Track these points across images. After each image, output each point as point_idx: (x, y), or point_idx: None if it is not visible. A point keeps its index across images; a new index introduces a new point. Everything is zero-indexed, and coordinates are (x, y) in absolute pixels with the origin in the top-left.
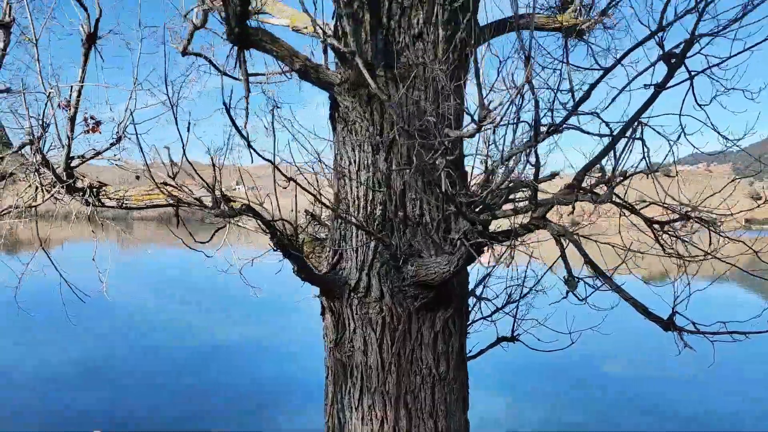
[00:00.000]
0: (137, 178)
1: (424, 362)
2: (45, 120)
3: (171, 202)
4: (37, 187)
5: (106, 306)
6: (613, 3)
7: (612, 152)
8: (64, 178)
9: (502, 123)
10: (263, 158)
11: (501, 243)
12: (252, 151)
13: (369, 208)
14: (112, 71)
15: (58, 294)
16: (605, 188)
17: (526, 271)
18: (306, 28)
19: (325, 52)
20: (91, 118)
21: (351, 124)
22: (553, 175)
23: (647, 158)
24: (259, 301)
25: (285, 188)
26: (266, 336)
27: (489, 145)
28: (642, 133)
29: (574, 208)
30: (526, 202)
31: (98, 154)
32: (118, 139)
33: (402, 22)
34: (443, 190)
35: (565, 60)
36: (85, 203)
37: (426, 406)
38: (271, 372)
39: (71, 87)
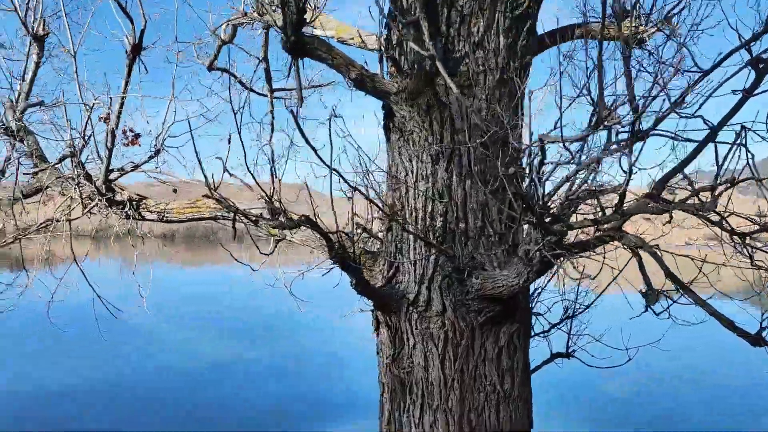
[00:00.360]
0: (174, 191)
1: (488, 379)
2: (85, 132)
3: (220, 214)
4: (72, 200)
5: (135, 323)
6: (675, 12)
7: (715, 159)
8: (104, 191)
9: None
10: (327, 166)
11: (579, 255)
12: (319, 159)
13: (428, 219)
14: (148, 84)
15: (86, 310)
16: (695, 198)
17: (578, 286)
18: (352, 39)
19: (380, 61)
20: (131, 130)
21: (408, 134)
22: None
23: (752, 165)
24: (300, 316)
25: (350, 198)
26: (308, 351)
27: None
28: (745, 138)
29: (671, 217)
30: (607, 211)
31: (137, 167)
32: (157, 152)
33: (461, 30)
34: (522, 199)
35: (661, 61)
36: (125, 216)
37: (491, 425)
38: (317, 388)
39: (110, 99)
